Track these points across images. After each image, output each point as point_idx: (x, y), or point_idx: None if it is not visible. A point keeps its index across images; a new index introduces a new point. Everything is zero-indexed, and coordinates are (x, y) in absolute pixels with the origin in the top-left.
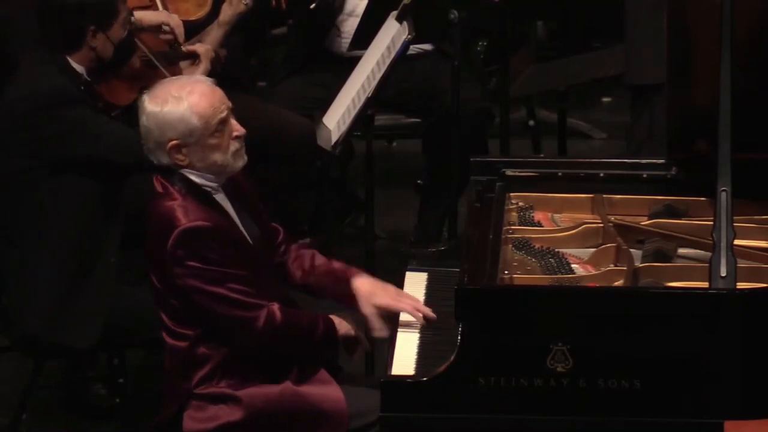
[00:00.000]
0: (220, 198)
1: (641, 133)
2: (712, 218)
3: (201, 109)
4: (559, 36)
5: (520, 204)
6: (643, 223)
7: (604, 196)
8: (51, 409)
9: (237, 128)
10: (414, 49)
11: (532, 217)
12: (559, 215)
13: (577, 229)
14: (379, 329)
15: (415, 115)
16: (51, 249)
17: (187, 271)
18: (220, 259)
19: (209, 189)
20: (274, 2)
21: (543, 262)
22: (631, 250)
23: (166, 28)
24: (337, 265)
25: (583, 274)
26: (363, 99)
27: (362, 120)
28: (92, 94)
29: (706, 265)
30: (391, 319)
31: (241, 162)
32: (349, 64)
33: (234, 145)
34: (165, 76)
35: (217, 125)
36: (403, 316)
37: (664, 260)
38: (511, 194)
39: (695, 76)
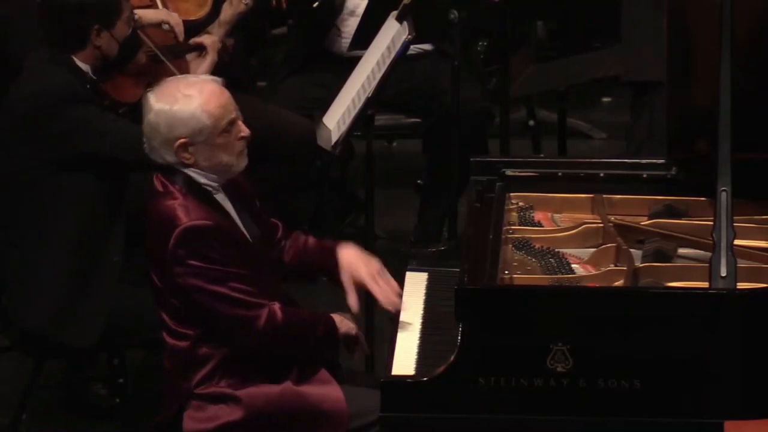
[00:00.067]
0: (221, 198)
1: (641, 133)
2: (712, 218)
3: (212, 108)
4: (559, 36)
5: (520, 204)
6: (643, 223)
7: (604, 196)
8: (51, 409)
9: (243, 129)
10: (414, 49)
11: (532, 217)
12: (559, 215)
13: (577, 229)
14: (353, 302)
15: (415, 115)
16: (54, 247)
17: (189, 270)
18: (221, 258)
19: (210, 188)
20: (274, 2)
21: (543, 262)
22: (631, 250)
23: (165, 26)
24: (327, 242)
25: (583, 274)
26: (363, 99)
27: (362, 120)
28: (98, 93)
29: (706, 265)
30: (392, 319)
31: (244, 163)
32: (349, 64)
33: (239, 146)
34: (171, 70)
35: (226, 125)
36: (403, 316)
37: (664, 260)
38: (511, 194)
39: (695, 76)
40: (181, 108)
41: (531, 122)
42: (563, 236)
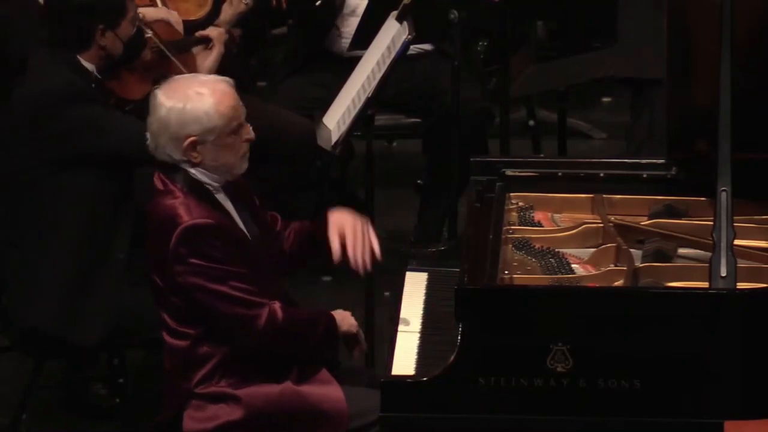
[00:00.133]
0: (221, 197)
1: (641, 133)
2: (712, 218)
3: (224, 108)
4: (559, 36)
5: (520, 204)
6: (643, 223)
7: (604, 196)
8: (51, 409)
9: (249, 132)
10: (414, 49)
11: (532, 217)
12: (559, 215)
13: (577, 229)
14: (336, 256)
15: (415, 115)
16: (56, 246)
17: (190, 269)
18: (222, 257)
19: (211, 188)
20: (274, 2)
21: (543, 262)
22: (631, 250)
23: None
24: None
25: (583, 274)
26: (363, 99)
27: (362, 120)
28: (103, 92)
29: (706, 265)
30: (392, 319)
31: (245, 166)
32: (349, 64)
33: (244, 148)
34: (177, 65)
35: (235, 127)
36: (403, 316)
37: (664, 260)
38: (511, 194)
39: (695, 76)
40: (194, 106)
41: (531, 122)
42: (563, 236)
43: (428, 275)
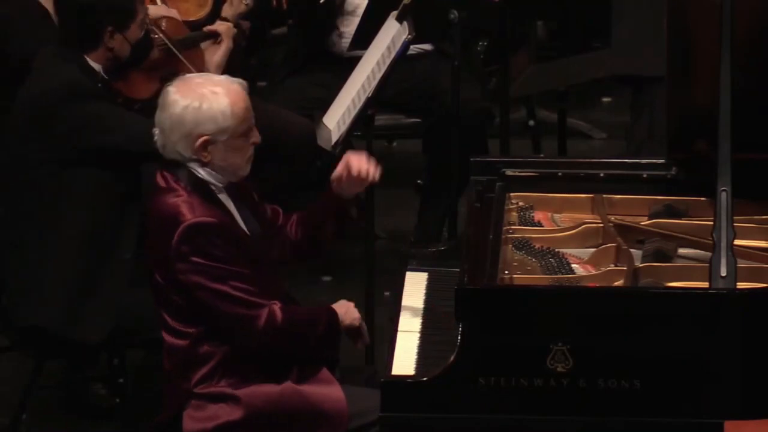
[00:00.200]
0: (223, 197)
1: (641, 133)
2: (712, 218)
3: (238, 110)
4: (559, 36)
5: (520, 204)
6: (643, 223)
7: (604, 196)
8: (51, 409)
9: (257, 136)
10: (414, 49)
11: (532, 217)
12: (559, 215)
13: (577, 229)
14: (338, 172)
15: (415, 115)
16: (60, 245)
17: (191, 267)
18: (224, 256)
19: (214, 188)
20: (274, 2)
21: (543, 262)
22: (631, 250)
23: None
24: None
25: (583, 274)
26: (363, 99)
27: (362, 120)
28: (110, 92)
29: (706, 265)
30: (392, 319)
31: (248, 169)
32: (349, 64)
33: (250, 151)
34: (185, 63)
35: (246, 129)
36: (403, 316)
37: (664, 260)
38: (511, 194)
39: (695, 76)
40: (210, 106)
41: (531, 122)
42: (563, 236)
43: (428, 275)
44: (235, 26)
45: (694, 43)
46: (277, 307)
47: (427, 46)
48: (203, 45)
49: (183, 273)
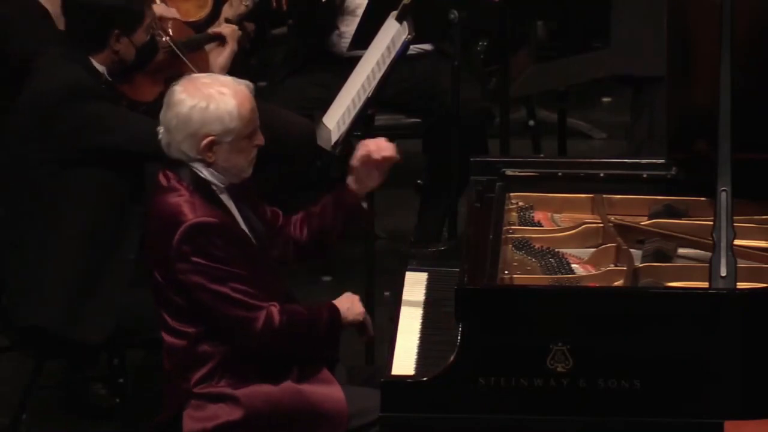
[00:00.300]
0: (225, 198)
1: (641, 133)
2: (712, 218)
3: (245, 111)
4: (559, 36)
5: (520, 204)
6: (643, 223)
7: (604, 196)
8: (51, 409)
9: (260, 138)
10: (414, 49)
11: (532, 217)
12: (559, 215)
13: (577, 229)
14: (358, 155)
15: (415, 115)
16: (61, 245)
17: (192, 267)
18: (224, 257)
19: (216, 188)
20: (274, 2)
21: (543, 262)
22: (631, 250)
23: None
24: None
25: (583, 274)
26: (363, 99)
27: (362, 120)
28: (114, 94)
29: (706, 265)
30: (392, 319)
31: (251, 171)
32: (349, 64)
33: (253, 153)
34: (188, 65)
35: (251, 131)
36: (403, 316)
37: (664, 260)
38: (511, 194)
39: (695, 76)
40: (218, 106)
41: (531, 122)
42: (563, 236)
43: (428, 275)
44: (239, 29)
45: (694, 43)
46: (275, 309)
47: (427, 46)
48: (207, 47)
49: (183, 273)
